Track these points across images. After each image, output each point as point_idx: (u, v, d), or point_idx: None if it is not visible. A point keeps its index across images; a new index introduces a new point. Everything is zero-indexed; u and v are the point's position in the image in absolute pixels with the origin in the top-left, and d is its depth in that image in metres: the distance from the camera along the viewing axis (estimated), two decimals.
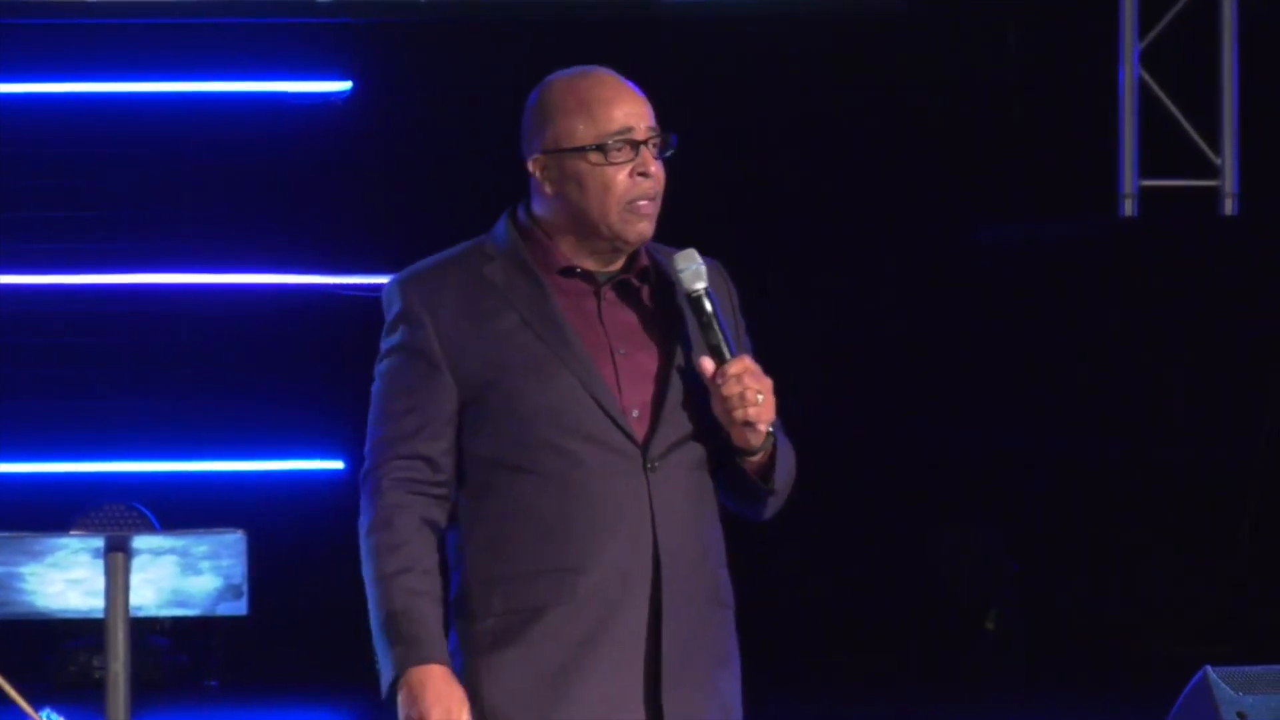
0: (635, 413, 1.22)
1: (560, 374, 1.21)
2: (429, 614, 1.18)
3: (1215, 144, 3.78)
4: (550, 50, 6.96)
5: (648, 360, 1.25)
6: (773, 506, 1.28)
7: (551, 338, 1.22)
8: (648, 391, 1.23)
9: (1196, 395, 5.92)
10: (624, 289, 1.27)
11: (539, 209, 1.29)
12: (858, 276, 6.08)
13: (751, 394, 1.15)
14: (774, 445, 1.21)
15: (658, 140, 1.25)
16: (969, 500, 6.08)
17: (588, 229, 1.24)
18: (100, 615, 1.04)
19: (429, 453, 1.22)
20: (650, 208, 1.25)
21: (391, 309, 1.29)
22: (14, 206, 5.92)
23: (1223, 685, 1.79)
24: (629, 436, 1.21)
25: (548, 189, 1.26)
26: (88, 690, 4.82)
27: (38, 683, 5.44)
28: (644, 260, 1.27)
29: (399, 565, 1.16)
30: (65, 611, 1.10)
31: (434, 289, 1.27)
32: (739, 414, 1.16)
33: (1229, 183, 3.77)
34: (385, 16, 5.88)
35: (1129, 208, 3.67)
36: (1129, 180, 3.64)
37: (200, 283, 6.09)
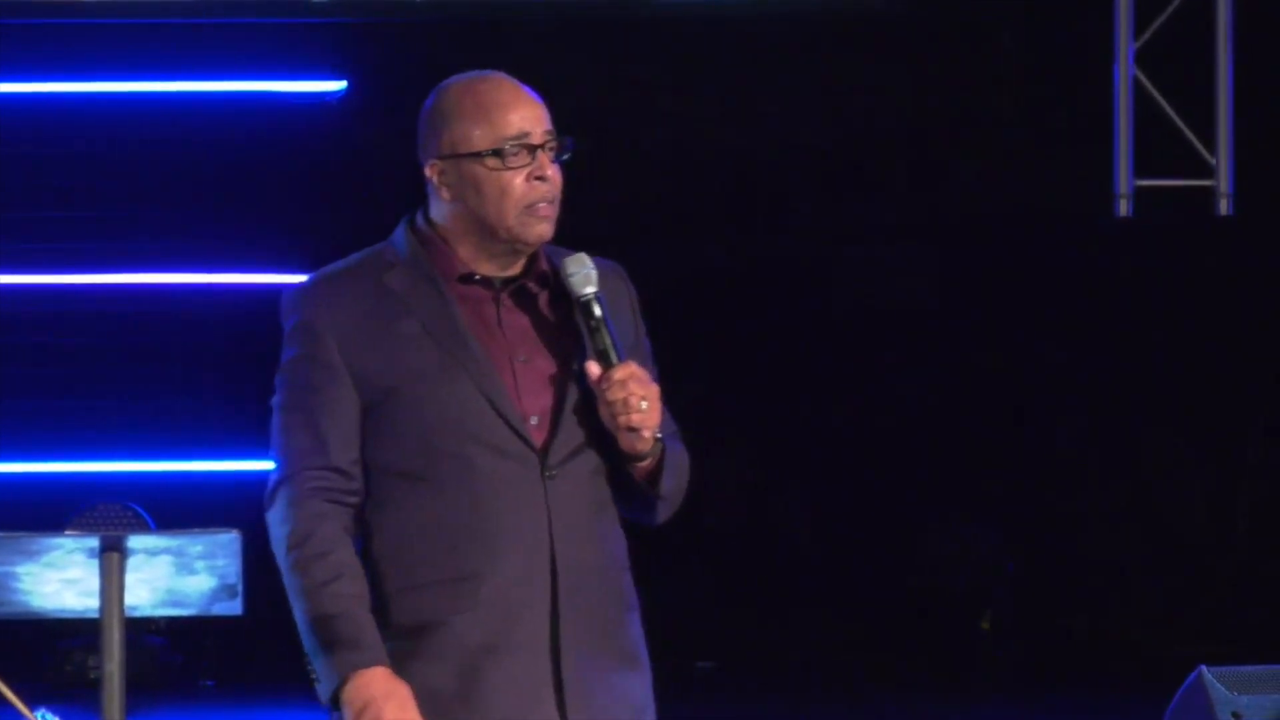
0: (534, 419, 1.22)
1: (460, 381, 1.21)
2: (365, 618, 1.17)
3: (1210, 144, 3.79)
4: (546, 49, 6.98)
5: (547, 366, 1.24)
6: (663, 512, 1.28)
7: (451, 345, 1.21)
8: (547, 398, 1.23)
9: (1191, 397, 5.92)
10: (523, 294, 1.27)
11: (437, 214, 1.28)
12: (870, 269, 6.06)
13: (635, 400, 1.15)
14: (662, 451, 1.22)
15: (554, 144, 1.25)
16: (966, 499, 6.09)
17: (486, 233, 1.24)
18: (95, 615, 1.04)
19: (339, 463, 1.22)
20: (548, 210, 1.24)
21: (290, 319, 1.27)
22: (12, 207, 5.91)
23: (1218, 685, 1.79)
24: (527, 444, 1.20)
25: (445, 194, 1.25)
26: (83, 690, 4.82)
27: (33, 682, 5.44)
28: (542, 264, 1.26)
29: (329, 573, 1.15)
30: (60, 611, 1.10)
31: (333, 298, 1.26)
32: (622, 420, 1.15)
33: (1224, 183, 3.78)
34: (379, 16, 5.87)
35: (1124, 208, 3.68)
36: (1124, 180, 3.64)
37: (195, 283, 6.09)
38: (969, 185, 5.91)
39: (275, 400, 1.26)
